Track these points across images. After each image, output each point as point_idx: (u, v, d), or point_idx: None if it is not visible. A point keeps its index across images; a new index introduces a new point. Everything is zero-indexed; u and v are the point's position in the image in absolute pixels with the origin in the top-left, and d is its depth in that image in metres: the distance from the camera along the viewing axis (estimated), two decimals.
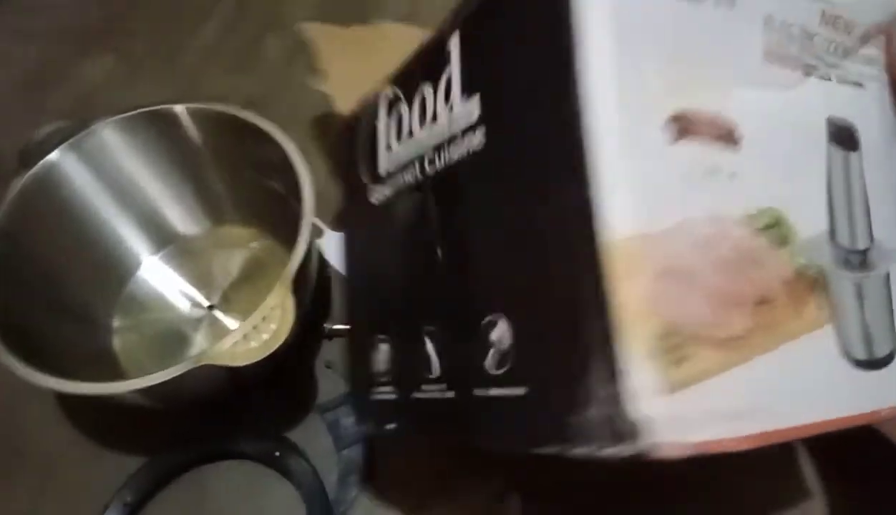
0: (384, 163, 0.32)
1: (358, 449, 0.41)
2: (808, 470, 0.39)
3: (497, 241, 0.24)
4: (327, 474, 0.40)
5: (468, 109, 0.25)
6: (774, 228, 0.24)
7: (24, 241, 0.41)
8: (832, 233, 0.26)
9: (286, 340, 0.35)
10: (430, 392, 0.28)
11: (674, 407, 0.19)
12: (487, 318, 0.24)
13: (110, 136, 0.44)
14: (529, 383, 0.22)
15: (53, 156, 0.42)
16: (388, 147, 0.32)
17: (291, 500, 0.39)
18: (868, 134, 0.27)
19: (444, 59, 0.27)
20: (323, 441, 0.41)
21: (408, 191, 0.30)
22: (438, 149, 0.28)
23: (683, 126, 0.22)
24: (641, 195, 0.21)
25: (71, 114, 0.49)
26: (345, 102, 0.39)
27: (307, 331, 0.44)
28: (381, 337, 0.32)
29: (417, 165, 0.29)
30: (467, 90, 0.26)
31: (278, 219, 0.43)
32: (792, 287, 0.24)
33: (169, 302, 0.47)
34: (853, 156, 0.27)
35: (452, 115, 0.27)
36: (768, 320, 0.22)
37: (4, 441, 0.43)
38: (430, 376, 0.28)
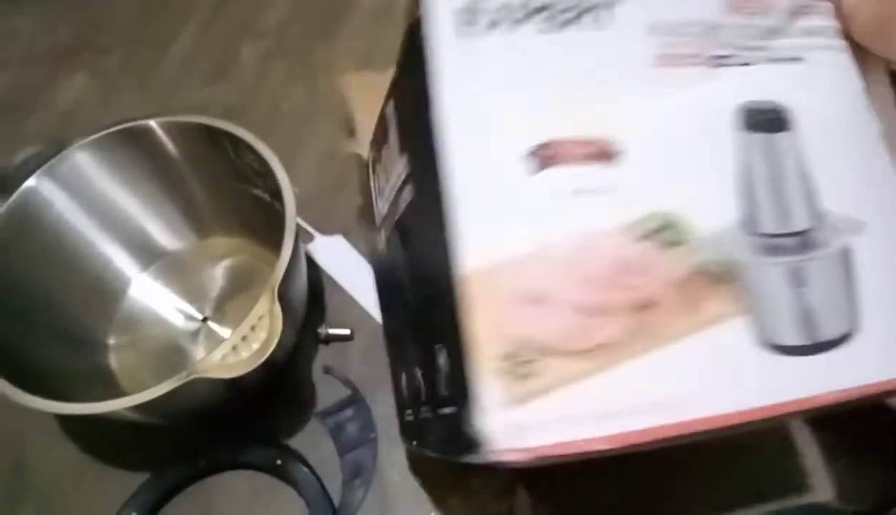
0: (378, 213, 0.36)
1: (361, 453, 0.41)
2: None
3: (425, 279, 0.27)
4: (331, 479, 0.40)
5: (402, 166, 0.28)
6: (665, 230, 0.24)
7: (9, 268, 0.41)
8: (749, 221, 0.25)
9: (278, 348, 0.34)
10: (424, 413, 0.29)
11: (517, 417, 0.21)
12: (435, 346, 0.26)
13: (84, 158, 0.43)
14: (453, 403, 0.24)
15: (30, 182, 0.42)
16: (377, 201, 0.36)
17: (295, 508, 0.39)
18: (813, 107, 0.27)
19: (387, 124, 0.30)
20: (324, 447, 0.41)
21: (390, 238, 0.33)
22: (395, 202, 0.31)
23: (547, 155, 0.23)
24: (496, 228, 0.23)
25: (50, 138, 0.49)
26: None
27: (302, 337, 0.44)
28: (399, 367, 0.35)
29: (391, 219, 0.32)
30: (400, 149, 0.29)
31: (265, 225, 0.43)
32: (685, 286, 0.24)
33: (163, 318, 0.47)
34: (780, 137, 0.26)
35: (397, 172, 0.29)
36: (650, 323, 0.23)
37: (8, 465, 0.43)
38: (421, 400, 0.30)
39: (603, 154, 0.24)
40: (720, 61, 0.26)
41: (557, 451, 0.21)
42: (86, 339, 0.46)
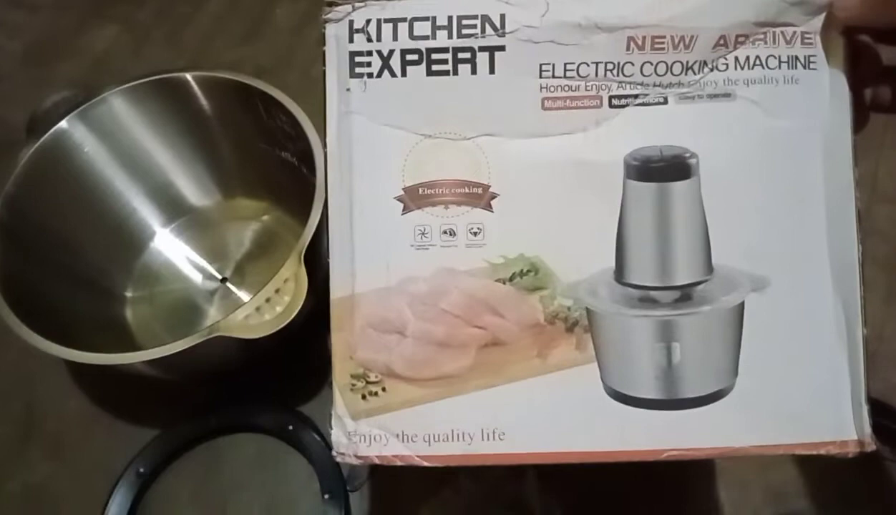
0: None
1: None
2: None
3: None
4: None
5: None
6: (528, 275, 0.26)
7: (35, 210, 0.41)
8: (622, 272, 0.25)
9: (299, 313, 0.34)
10: None
11: (358, 429, 0.25)
12: None
13: (119, 105, 0.43)
14: None
15: (62, 124, 0.41)
16: None
17: (304, 474, 0.39)
18: (731, 151, 0.25)
19: None
20: None
21: None
22: None
23: (412, 200, 0.25)
24: (359, 262, 0.25)
25: (78, 84, 0.48)
26: None
27: (321, 305, 0.43)
28: None
29: None
30: None
31: (290, 190, 0.42)
32: (538, 330, 0.26)
33: (182, 274, 0.47)
34: (672, 186, 0.25)
35: None
36: (496, 361, 0.26)
37: (19, 412, 0.43)
38: None
39: (476, 197, 0.26)
40: (620, 102, 0.25)
41: (385, 462, 0.25)
42: (104, 289, 0.45)
